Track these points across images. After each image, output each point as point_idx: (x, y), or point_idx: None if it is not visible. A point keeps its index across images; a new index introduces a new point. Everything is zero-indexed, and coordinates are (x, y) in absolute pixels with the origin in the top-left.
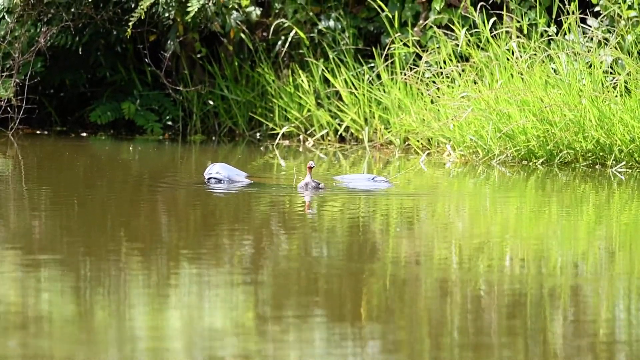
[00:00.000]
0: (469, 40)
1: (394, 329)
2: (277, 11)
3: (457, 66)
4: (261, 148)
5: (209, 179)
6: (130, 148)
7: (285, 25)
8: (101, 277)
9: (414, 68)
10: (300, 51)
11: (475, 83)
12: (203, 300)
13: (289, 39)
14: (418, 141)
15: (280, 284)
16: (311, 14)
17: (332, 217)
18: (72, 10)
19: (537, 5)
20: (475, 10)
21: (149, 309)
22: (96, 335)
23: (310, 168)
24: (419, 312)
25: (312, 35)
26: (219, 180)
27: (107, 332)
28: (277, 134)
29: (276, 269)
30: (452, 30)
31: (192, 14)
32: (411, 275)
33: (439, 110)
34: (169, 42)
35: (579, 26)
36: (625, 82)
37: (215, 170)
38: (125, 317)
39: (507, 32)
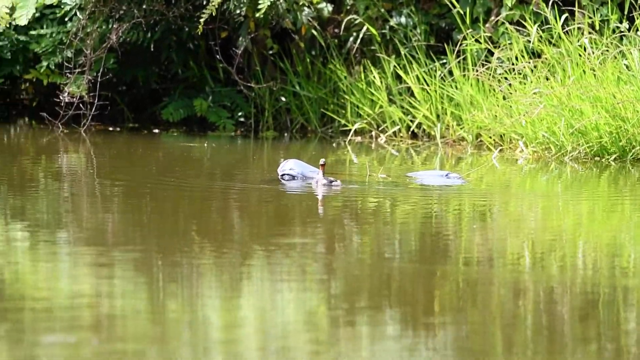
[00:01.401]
0: (541, 37)
1: (467, 329)
2: (348, 7)
3: (529, 62)
4: (333, 144)
5: (283, 175)
6: (205, 145)
7: (357, 21)
8: (174, 273)
9: (485, 64)
10: (372, 47)
11: (547, 79)
12: (275, 297)
13: (361, 35)
14: (490, 137)
15: (352, 281)
16: (383, 10)
17: (405, 214)
18: (144, 6)
19: (609, 1)
20: (547, 6)
21: (221, 305)
22: (170, 332)
23: (323, 165)
24: (491, 311)
25: (383, 31)
26: (293, 177)
27: (181, 329)
28: (349, 130)
29: (348, 266)
30: (524, 27)
31: (263, 10)
32: (483, 275)
33: (511, 106)
34: (240, 38)
35: None
36: None
37: (289, 166)
38: (199, 313)
39: (579, 28)
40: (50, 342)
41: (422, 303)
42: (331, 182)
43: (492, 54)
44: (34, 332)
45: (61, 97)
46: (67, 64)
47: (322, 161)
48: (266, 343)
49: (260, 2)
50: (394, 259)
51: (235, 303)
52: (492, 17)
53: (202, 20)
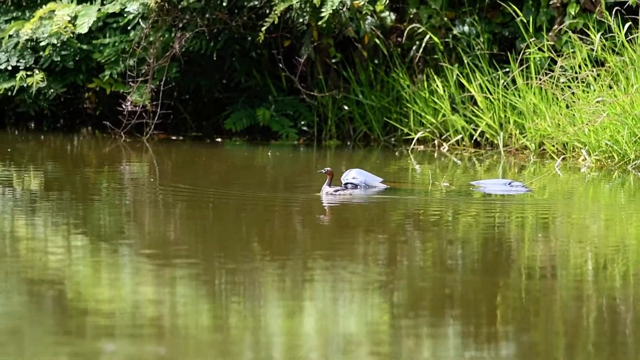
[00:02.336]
0: (604, 45)
1: (530, 339)
2: (411, 16)
3: (592, 71)
4: (396, 153)
5: (346, 184)
6: (269, 153)
7: (420, 30)
8: (236, 281)
9: (549, 73)
10: (435, 56)
11: (610, 88)
12: (337, 305)
13: (423, 44)
14: (553, 146)
15: (414, 291)
16: (446, 19)
17: (468, 224)
18: (207, 15)
19: None
20: (610, 14)
21: (282, 314)
22: (232, 340)
23: (329, 173)
24: (554, 322)
25: (446, 40)
26: (356, 186)
27: (243, 336)
28: (412, 139)
29: (410, 275)
30: (587, 35)
31: (325, 19)
32: (546, 285)
33: (574, 115)
34: (303, 47)
35: None
36: None
37: (352, 175)
38: (261, 321)
39: None
40: (111, 350)
41: (485, 313)
42: (336, 190)
43: (555, 62)
44: (96, 340)
45: (124, 106)
46: (129, 73)
47: (327, 169)
48: (328, 353)
49: (322, 10)
50: (456, 269)
51: (296, 313)
52: (556, 26)
53: (263, 28)
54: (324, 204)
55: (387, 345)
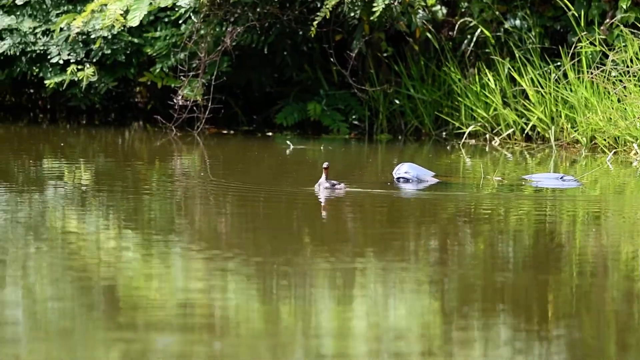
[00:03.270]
0: None
1: (582, 337)
2: (463, 10)
3: None
4: (447, 147)
5: (398, 178)
6: (322, 148)
7: (471, 24)
8: (287, 275)
9: (600, 67)
10: (487, 50)
11: None
12: (387, 301)
13: (474, 38)
14: (605, 140)
15: (465, 287)
16: (497, 12)
17: (520, 218)
18: (258, 9)
19: None
20: None
21: (334, 309)
22: (281, 334)
23: (326, 168)
24: (605, 318)
25: (498, 34)
26: (408, 180)
27: (293, 332)
28: (464, 133)
29: (460, 270)
30: (639, 29)
31: (377, 14)
32: (597, 281)
33: (625, 109)
34: (354, 41)
35: None
36: None
37: (404, 170)
38: (311, 316)
39: None
40: (163, 343)
41: (536, 310)
42: (334, 185)
43: (606, 56)
44: (147, 333)
45: (175, 100)
46: (180, 67)
47: (325, 164)
48: (378, 348)
49: (374, 5)
50: (507, 264)
51: (347, 307)
52: (607, 20)
53: (315, 22)
54: (319, 199)
55: (438, 341)
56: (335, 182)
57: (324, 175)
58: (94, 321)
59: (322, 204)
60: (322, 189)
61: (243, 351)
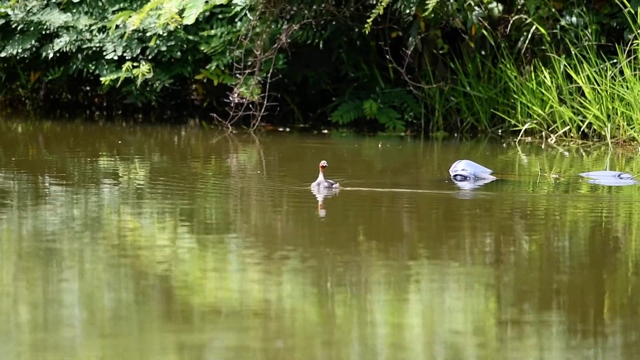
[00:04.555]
0: None
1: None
2: (519, 7)
3: None
4: (503, 144)
5: (455, 176)
6: (379, 145)
7: (527, 21)
8: (343, 274)
9: None
10: (543, 47)
11: None
12: (443, 301)
13: (530, 35)
14: None
15: (520, 286)
16: (553, 10)
17: (577, 216)
18: (314, 7)
19: None
20: None
21: (389, 307)
22: (336, 333)
23: (323, 167)
24: None
25: (554, 31)
26: (465, 178)
27: (348, 331)
28: (520, 130)
29: (516, 269)
30: None
31: (430, 9)
32: None
33: None
34: (410, 38)
35: None
36: None
37: (461, 167)
38: (366, 315)
39: None
40: (220, 341)
41: (591, 309)
42: (332, 184)
43: None
44: (203, 332)
45: (231, 98)
46: (236, 65)
47: (322, 163)
48: (432, 346)
49: (428, 2)
50: (564, 263)
51: (402, 306)
52: None
53: (369, 20)
54: (316, 197)
55: (494, 340)
56: (332, 181)
57: (321, 175)
58: (148, 318)
59: (378, 201)
60: (321, 188)
61: (298, 351)
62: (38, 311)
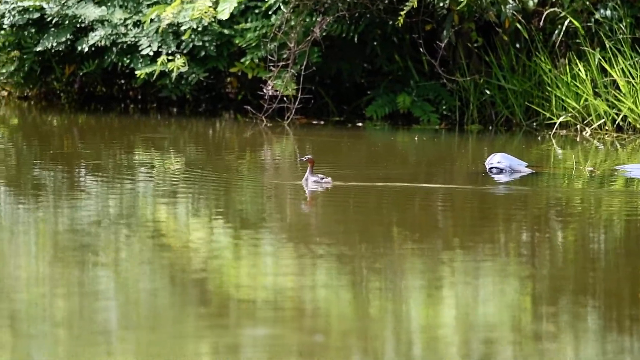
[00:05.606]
0: None
1: None
2: (553, 0)
3: None
4: (538, 137)
5: (491, 168)
6: (415, 138)
7: (562, 14)
8: (376, 268)
9: None
10: (577, 40)
11: None
12: (478, 295)
13: (564, 28)
14: None
15: (555, 279)
16: (587, 3)
17: (613, 209)
18: (348, 0)
19: None
20: None
21: (423, 300)
22: (371, 326)
23: (310, 161)
24: None
25: (588, 24)
26: (501, 170)
27: (383, 324)
28: (554, 123)
29: (551, 264)
30: None
31: (464, 3)
32: None
33: None
34: (444, 31)
35: None
36: None
37: (497, 160)
38: (402, 308)
39: None
40: (253, 333)
41: (627, 303)
42: (322, 179)
43: None
44: (238, 324)
45: (265, 91)
46: (270, 58)
47: (307, 157)
48: (468, 338)
49: None
50: (598, 256)
51: (437, 298)
52: None
53: (402, 12)
54: (306, 192)
55: (529, 334)
56: (321, 175)
57: (309, 170)
58: (186, 309)
59: (413, 194)
60: (309, 183)
61: (332, 344)
62: (74, 302)
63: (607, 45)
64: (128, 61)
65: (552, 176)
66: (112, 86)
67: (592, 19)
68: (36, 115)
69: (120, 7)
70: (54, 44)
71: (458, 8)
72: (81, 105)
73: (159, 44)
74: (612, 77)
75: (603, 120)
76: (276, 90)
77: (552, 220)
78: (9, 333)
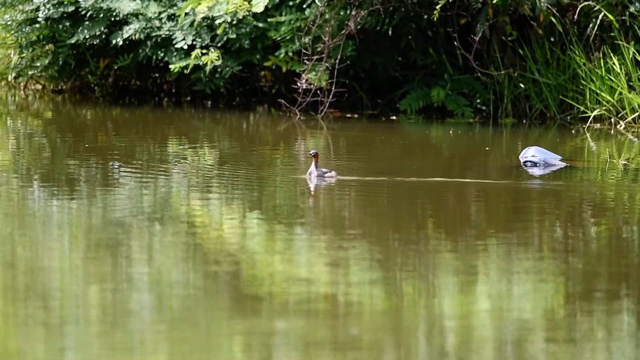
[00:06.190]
0: None
1: None
2: None
3: None
4: (572, 131)
5: (525, 162)
6: (450, 132)
7: (596, 8)
8: (409, 261)
9: None
10: (611, 34)
11: None
12: (511, 289)
13: (598, 22)
14: None
15: (588, 275)
16: None
17: None
18: None
19: None
20: None
21: (457, 295)
22: (403, 320)
23: (315, 156)
24: None
25: (623, 17)
26: (535, 164)
27: (415, 318)
28: (588, 117)
29: (584, 258)
30: None
31: None
32: None
33: None
34: (478, 25)
35: None
36: None
37: (531, 153)
38: (434, 303)
39: None
40: (283, 327)
41: None
42: (325, 173)
43: None
44: (269, 318)
45: (299, 84)
46: (305, 51)
47: (312, 152)
48: (501, 334)
49: None
50: (632, 251)
51: (470, 294)
52: None
53: (438, 6)
54: (310, 186)
55: (563, 330)
56: (325, 170)
57: (313, 164)
58: (217, 305)
59: (446, 188)
60: (313, 177)
61: (366, 338)
62: (107, 294)
63: None
64: (162, 55)
65: (586, 170)
66: (147, 80)
67: (627, 13)
68: (70, 108)
69: (155, 0)
70: (88, 37)
71: (493, 2)
72: (115, 98)
73: (193, 38)
74: None
75: (637, 113)
76: (310, 84)
77: (586, 215)
78: (42, 329)
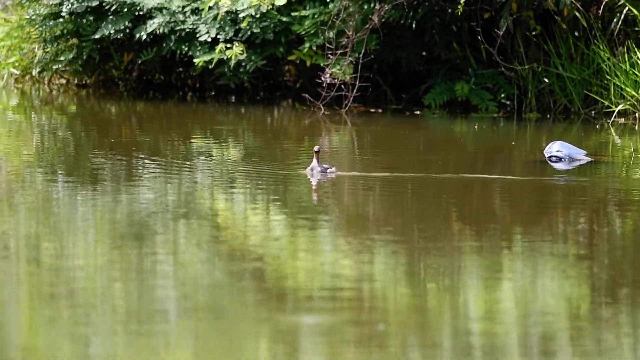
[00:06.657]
0: None
1: None
2: None
3: None
4: (596, 126)
5: (550, 157)
6: (475, 127)
7: (620, 2)
8: (434, 259)
9: None
10: (636, 28)
11: None
12: (535, 283)
13: (622, 16)
14: None
15: (611, 271)
16: None
17: None
18: None
19: None
20: None
21: (482, 290)
22: (429, 315)
23: (317, 152)
24: None
25: None
26: (560, 159)
27: (441, 313)
28: (613, 111)
29: (608, 253)
30: None
31: None
32: None
33: None
34: (502, 19)
35: None
36: None
37: (556, 148)
38: (459, 298)
39: None
40: (309, 322)
41: None
42: (326, 169)
43: None
44: (294, 313)
45: (323, 79)
46: (329, 45)
47: (316, 148)
48: (526, 329)
49: None
50: None
51: (494, 290)
52: None
53: (462, 0)
54: (312, 182)
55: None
56: (326, 166)
57: (315, 160)
58: (241, 302)
59: (470, 183)
60: (315, 173)
61: (391, 334)
62: (133, 288)
63: None
64: (186, 49)
65: (610, 165)
66: (171, 74)
67: None
68: (94, 103)
69: None
70: (112, 32)
71: None
72: (139, 93)
73: (217, 31)
74: None
75: None
76: (334, 78)
77: (612, 210)
78: (68, 321)
